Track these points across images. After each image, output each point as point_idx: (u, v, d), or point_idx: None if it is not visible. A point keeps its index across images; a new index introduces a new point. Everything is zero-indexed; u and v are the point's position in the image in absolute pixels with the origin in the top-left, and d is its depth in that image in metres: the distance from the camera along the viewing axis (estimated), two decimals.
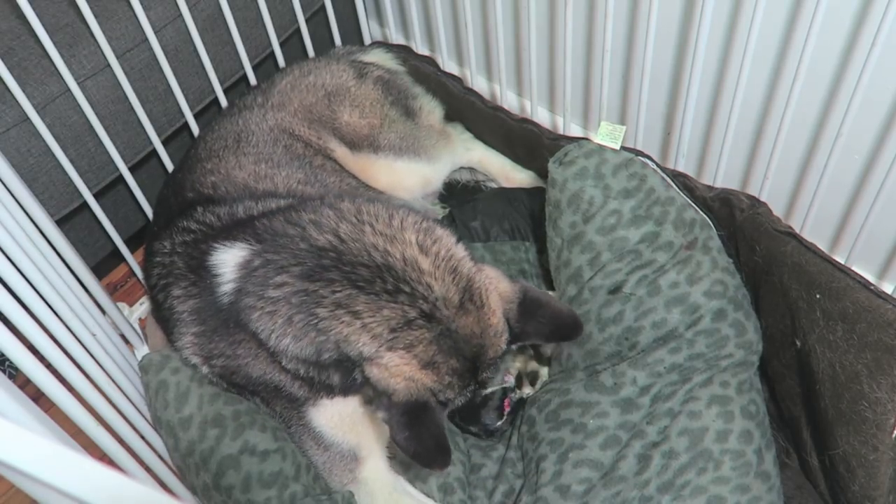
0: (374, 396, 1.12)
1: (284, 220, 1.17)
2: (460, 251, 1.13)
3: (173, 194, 1.46)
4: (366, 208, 1.15)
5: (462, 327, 1.08)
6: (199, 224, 1.30)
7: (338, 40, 1.96)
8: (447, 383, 1.08)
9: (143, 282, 1.68)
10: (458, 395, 1.11)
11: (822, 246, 1.33)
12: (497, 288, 1.15)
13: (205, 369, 1.29)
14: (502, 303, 1.14)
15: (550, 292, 1.46)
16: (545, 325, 1.17)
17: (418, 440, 1.06)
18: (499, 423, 1.39)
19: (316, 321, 1.09)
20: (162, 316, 1.35)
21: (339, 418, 1.26)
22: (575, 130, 1.88)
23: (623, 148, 1.36)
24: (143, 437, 1.25)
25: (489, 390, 1.38)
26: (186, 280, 1.26)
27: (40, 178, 1.47)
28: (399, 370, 1.06)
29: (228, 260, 1.18)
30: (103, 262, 1.80)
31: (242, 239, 1.19)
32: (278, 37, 1.81)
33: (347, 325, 1.07)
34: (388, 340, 1.06)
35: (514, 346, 1.19)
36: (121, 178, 1.63)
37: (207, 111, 1.80)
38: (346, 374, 1.13)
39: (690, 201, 1.37)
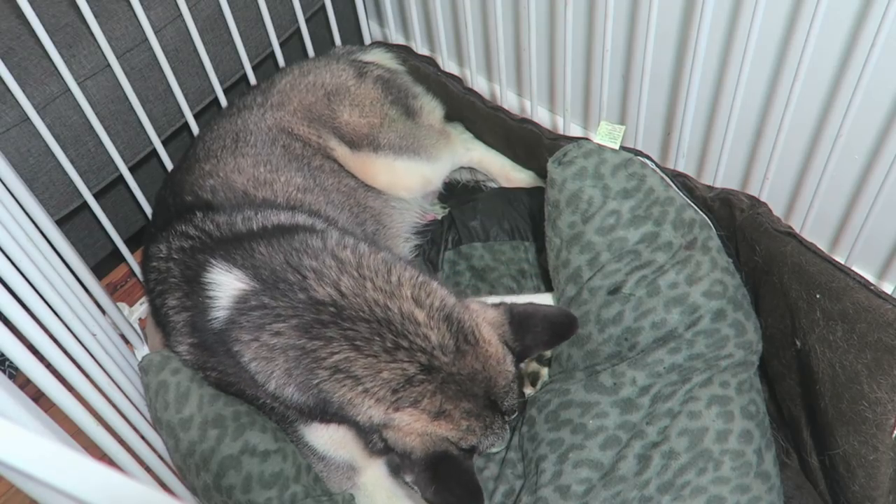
0: (399, 461, 1.13)
1: (285, 261, 1.15)
2: (451, 299, 1.15)
3: (171, 195, 1.46)
4: (366, 262, 1.15)
5: (463, 368, 1.09)
6: (198, 231, 1.30)
7: (338, 40, 1.96)
8: (465, 428, 1.09)
9: (142, 282, 1.68)
10: (485, 435, 1.12)
11: (822, 246, 1.34)
12: (485, 318, 1.17)
13: (201, 374, 1.30)
14: (494, 329, 1.16)
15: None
16: (542, 333, 1.19)
17: (445, 492, 1.08)
18: None
19: (317, 381, 1.10)
20: (159, 321, 1.36)
21: (328, 438, 1.27)
22: (575, 130, 1.88)
23: (622, 148, 1.36)
24: (143, 437, 1.25)
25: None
26: (181, 291, 1.25)
27: (40, 178, 1.47)
28: (411, 428, 1.08)
29: (224, 285, 1.17)
30: (103, 262, 1.80)
31: (241, 266, 1.17)
32: (278, 37, 1.81)
33: (350, 389, 1.08)
34: (393, 402, 1.07)
35: (523, 365, 1.20)
36: (121, 178, 1.63)
37: (207, 111, 1.80)
38: (366, 439, 1.15)
39: (690, 201, 1.37)
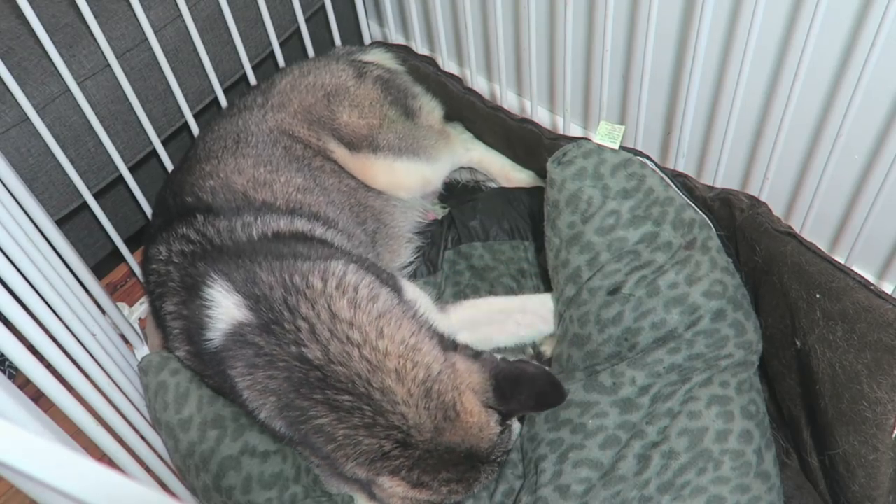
0: None
1: (283, 301, 1.15)
2: (436, 367, 1.14)
3: (172, 196, 1.45)
4: (359, 320, 1.14)
5: (440, 445, 1.11)
6: (199, 235, 1.30)
7: (338, 40, 1.96)
8: (446, 492, 1.13)
9: (143, 282, 1.68)
10: (470, 489, 1.15)
11: (822, 246, 1.33)
12: (470, 385, 1.16)
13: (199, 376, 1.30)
14: (478, 397, 1.16)
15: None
16: (528, 399, 1.19)
17: None
18: None
19: (304, 429, 1.13)
20: (158, 323, 1.36)
21: None
22: (575, 130, 1.88)
23: (622, 148, 1.36)
24: (143, 438, 1.25)
25: None
26: (178, 297, 1.26)
27: (40, 178, 1.47)
28: (393, 491, 1.12)
29: (223, 307, 1.17)
30: (103, 262, 1.80)
31: (241, 292, 1.17)
32: (278, 37, 1.81)
33: (333, 450, 1.12)
34: (372, 470, 1.11)
35: (509, 422, 1.21)
36: (121, 178, 1.63)
37: (207, 111, 1.80)
38: (363, 489, 1.20)
39: (689, 201, 1.37)
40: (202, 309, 1.19)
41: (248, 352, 1.14)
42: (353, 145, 1.60)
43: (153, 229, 1.47)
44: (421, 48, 1.93)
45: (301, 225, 1.34)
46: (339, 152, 1.60)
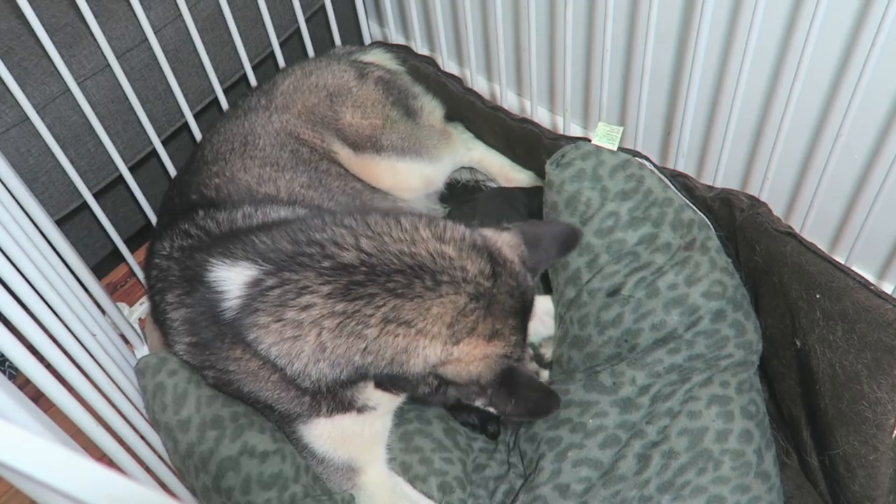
0: (463, 392, 1.15)
1: (292, 240, 1.14)
2: (466, 230, 1.17)
3: (178, 195, 1.46)
4: (372, 221, 1.15)
5: (502, 287, 1.12)
6: (199, 229, 1.29)
7: (338, 40, 1.96)
8: (514, 342, 1.13)
9: (142, 282, 1.68)
10: (524, 346, 1.17)
11: (822, 246, 1.33)
12: (504, 241, 1.20)
13: (198, 374, 1.30)
14: (514, 251, 1.19)
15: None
16: (552, 245, 1.24)
17: (524, 401, 1.12)
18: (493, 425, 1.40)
19: (363, 344, 1.09)
20: (157, 319, 1.36)
21: (328, 436, 1.26)
22: (575, 130, 1.88)
23: (620, 149, 1.36)
24: (142, 438, 1.25)
25: None
26: (180, 288, 1.25)
27: (40, 178, 1.47)
28: (473, 355, 1.10)
29: (233, 278, 1.15)
30: (103, 262, 1.80)
31: (244, 257, 1.16)
32: (278, 37, 1.81)
33: (403, 336, 1.08)
34: (450, 336, 1.08)
35: (536, 278, 1.25)
36: (121, 178, 1.63)
37: (207, 111, 1.80)
38: (412, 389, 1.16)
39: (688, 202, 1.37)
40: (210, 291, 1.17)
41: (270, 295, 1.11)
42: (356, 146, 1.61)
43: (158, 228, 1.47)
44: (421, 48, 1.93)
45: (304, 214, 1.33)
46: (344, 153, 1.60)
